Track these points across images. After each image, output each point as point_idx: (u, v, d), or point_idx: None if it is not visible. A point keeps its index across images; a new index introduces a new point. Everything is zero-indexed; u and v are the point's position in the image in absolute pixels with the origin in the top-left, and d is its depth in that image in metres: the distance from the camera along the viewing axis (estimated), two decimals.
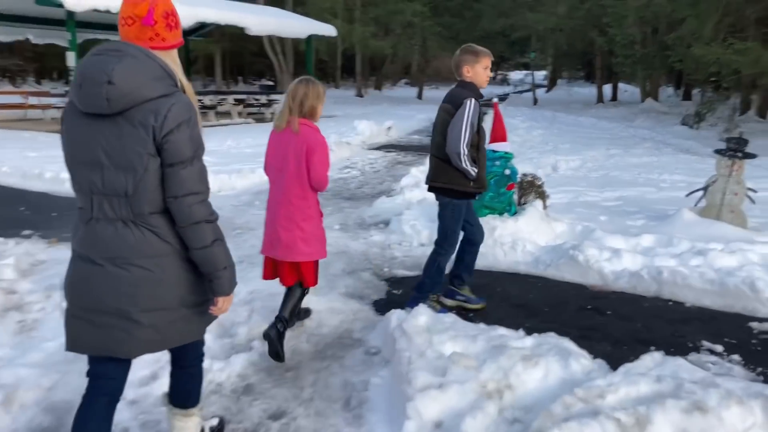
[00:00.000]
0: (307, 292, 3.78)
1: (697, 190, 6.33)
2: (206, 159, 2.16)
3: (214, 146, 11.52)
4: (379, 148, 13.62)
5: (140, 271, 2.08)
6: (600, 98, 31.69)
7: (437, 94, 39.93)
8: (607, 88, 33.37)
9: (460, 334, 3.42)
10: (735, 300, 4.39)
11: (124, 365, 2.34)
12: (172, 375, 2.54)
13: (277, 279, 3.72)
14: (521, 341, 3.36)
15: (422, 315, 3.66)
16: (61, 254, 5.24)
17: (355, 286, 4.75)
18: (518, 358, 3.10)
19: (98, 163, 2.01)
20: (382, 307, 4.34)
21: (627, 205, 7.38)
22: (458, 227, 4.08)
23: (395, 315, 3.75)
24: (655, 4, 19.03)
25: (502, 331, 3.52)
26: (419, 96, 34.69)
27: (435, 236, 5.77)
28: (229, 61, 41.76)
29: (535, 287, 4.76)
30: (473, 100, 3.81)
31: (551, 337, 3.46)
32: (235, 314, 3.99)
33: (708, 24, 15.29)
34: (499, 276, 5.07)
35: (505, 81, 66.28)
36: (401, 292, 4.65)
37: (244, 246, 5.48)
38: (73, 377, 3.27)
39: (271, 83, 34.88)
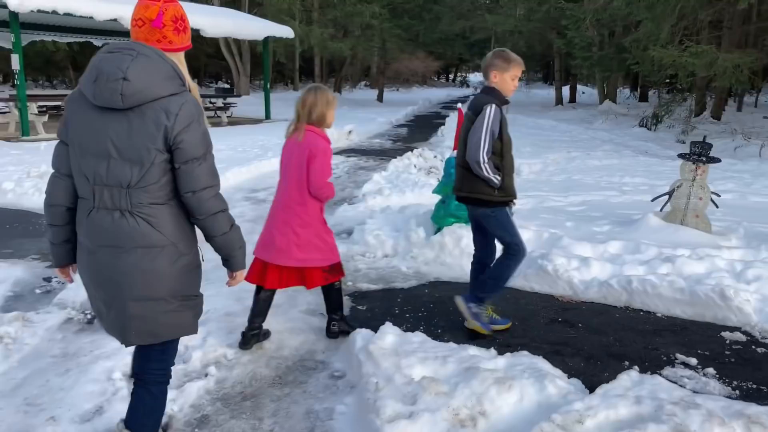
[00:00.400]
0: (340, 285, 3.88)
1: (663, 195, 6.30)
2: None
3: None
4: (340, 152, 13.37)
5: (133, 260, 2.16)
6: (559, 100, 32.05)
7: (398, 96, 39.93)
8: (565, 90, 33.78)
9: (430, 355, 3.25)
10: (705, 309, 4.31)
11: (145, 353, 2.43)
12: (134, 393, 2.48)
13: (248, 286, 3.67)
14: (493, 362, 3.21)
15: (389, 335, 3.48)
16: None
17: (317, 302, 4.49)
18: (491, 381, 2.93)
19: (106, 155, 2.10)
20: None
21: (591, 210, 7.33)
22: (512, 232, 3.84)
23: (360, 335, 3.55)
24: (612, 6, 19.25)
25: (472, 351, 3.36)
26: (379, 98, 34.51)
27: (400, 247, 5.66)
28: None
29: (503, 299, 4.60)
30: (494, 106, 3.64)
31: (524, 356, 3.32)
32: (188, 336, 3.73)
33: (664, 27, 15.50)
34: (466, 288, 4.85)
35: (464, 83, 66.71)
36: (366, 308, 4.46)
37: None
38: (7, 414, 2.98)
39: (227, 86, 34.35)
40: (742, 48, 16.36)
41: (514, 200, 3.88)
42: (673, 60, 14.52)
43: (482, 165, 3.62)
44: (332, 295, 3.86)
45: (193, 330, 2.42)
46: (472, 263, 4.18)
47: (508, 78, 3.71)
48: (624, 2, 17.97)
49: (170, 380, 2.57)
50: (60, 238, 2.32)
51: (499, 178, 3.69)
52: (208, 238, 2.32)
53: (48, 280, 4.89)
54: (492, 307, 4.14)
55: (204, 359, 3.55)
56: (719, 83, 15.83)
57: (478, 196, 3.77)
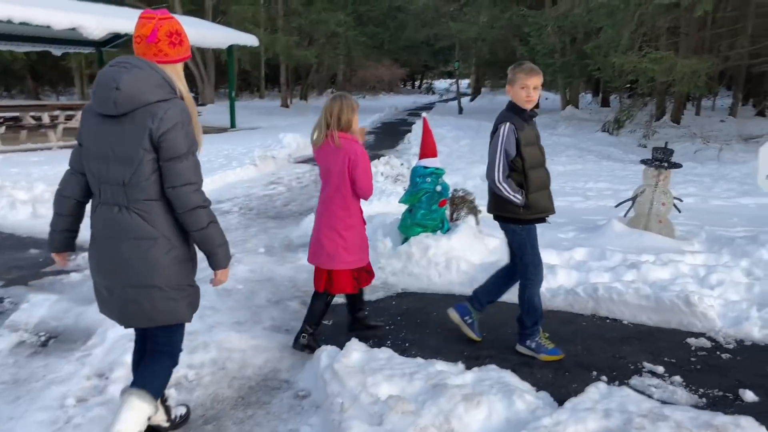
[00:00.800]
0: (331, 300, 3.94)
1: (626, 201, 6.35)
2: None
3: None
4: (307, 161, 13.23)
5: (128, 250, 2.42)
6: None
7: (364, 103, 39.75)
8: None
9: (397, 372, 3.18)
10: (671, 315, 4.33)
11: (150, 333, 2.68)
12: (143, 361, 2.71)
13: None
14: (461, 377, 3.16)
15: (355, 351, 3.40)
16: None
17: (281, 318, 4.41)
18: (459, 398, 2.88)
19: (106, 156, 2.40)
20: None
21: (556, 216, 7.26)
22: (530, 253, 3.76)
23: (325, 353, 3.47)
24: (573, 14, 19.52)
25: (440, 366, 3.30)
26: None
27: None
28: None
29: None
30: (508, 125, 3.58)
31: (492, 371, 3.27)
32: None
33: (624, 34, 15.76)
34: (433, 298, 4.86)
35: (430, 90, 67.11)
36: (332, 323, 4.37)
37: None
38: None
39: (192, 95, 33.92)
40: (699, 54, 16.71)
41: (550, 215, 3.79)
42: (634, 66, 14.76)
43: (498, 185, 3.60)
44: (321, 306, 3.88)
45: (187, 318, 2.63)
46: (501, 268, 4.12)
47: (517, 89, 3.62)
48: (585, 10, 18.24)
49: (176, 358, 2.78)
50: (60, 226, 2.62)
51: (520, 197, 3.61)
52: (189, 234, 2.52)
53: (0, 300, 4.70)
54: (477, 314, 4.10)
55: None
56: (678, 88, 16.13)
57: (506, 215, 3.74)
